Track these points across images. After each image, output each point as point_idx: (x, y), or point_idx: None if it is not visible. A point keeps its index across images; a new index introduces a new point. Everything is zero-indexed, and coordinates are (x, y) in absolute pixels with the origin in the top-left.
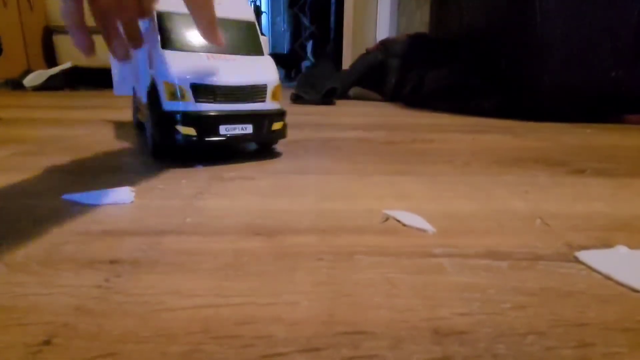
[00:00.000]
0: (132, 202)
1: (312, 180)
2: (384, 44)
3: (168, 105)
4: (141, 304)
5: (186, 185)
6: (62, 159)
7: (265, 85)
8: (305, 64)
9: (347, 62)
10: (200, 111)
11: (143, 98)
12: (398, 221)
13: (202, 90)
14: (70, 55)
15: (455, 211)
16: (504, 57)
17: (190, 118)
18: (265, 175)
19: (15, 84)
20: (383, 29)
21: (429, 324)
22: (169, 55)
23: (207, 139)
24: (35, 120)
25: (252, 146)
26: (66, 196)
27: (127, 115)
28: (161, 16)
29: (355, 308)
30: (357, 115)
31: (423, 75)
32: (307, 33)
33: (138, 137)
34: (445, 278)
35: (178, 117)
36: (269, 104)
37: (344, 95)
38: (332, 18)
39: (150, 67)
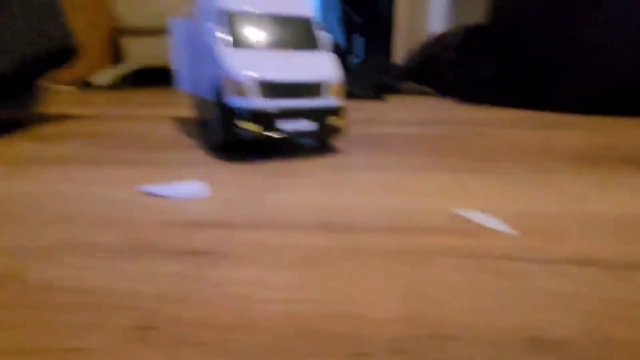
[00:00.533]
0: (204, 195)
1: (375, 177)
2: (439, 38)
3: (233, 101)
4: (228, 296)
5: (252, 180)
6: (133, 152)
7: (326, 81)
8: (353, 59)
9: (398, 57)
10: (264, 107)
11: (207, 94)
12: (473, 221)
13: (266, 87)
14: (134, 55)
15: (534, 212)
16: (567, 48)
17: (254, 114)
18: (327, 171)
19: (85, 84)
20: (436, 22)
21: (522, 333)
22: (234, 52)
23: (270, 134)
24: (104, 116)
25: (309, 141)
26: (141, 187)
27: (187, 111)
28: (227, 15)
29: (440, 311)
30: (412, 111)
31: (480, 69)
32: (355, 28)
33: (200, 132)
34: (532, 284)
35: (243, 113)
36: (329, 100)
37: (396, 90)
38: (381, 13)
39: (216, 64)
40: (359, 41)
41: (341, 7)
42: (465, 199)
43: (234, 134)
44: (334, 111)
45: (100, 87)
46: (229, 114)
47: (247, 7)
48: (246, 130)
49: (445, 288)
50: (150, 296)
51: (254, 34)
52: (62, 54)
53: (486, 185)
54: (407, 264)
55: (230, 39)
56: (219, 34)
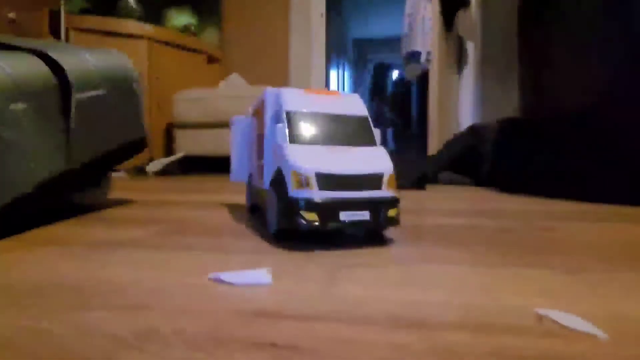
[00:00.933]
0: (270, 283)
1: (439, 270)
2: (473, 129)
3: (294, 192)
4: None
5: (315, 270)
6: (197, 239)
7: (382, 173)
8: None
9: (432, 148)
10: (323, 198)
11: (265, 185)
12: (557, 323)
13: (325, 179)
14: (185, 146)
15: (620, 314)
16: (621, 137)
17: (313, 204)
18: (389, 263)
19: (139, 170)
20: (466, 115)
21: None
22: (296, 148)
23: (328, 224)
24: (165, 203)
25: (364, 231)
26: (212, 275)
27: (237, 198)
28: (288, 114)
29: None
30: (456, 200)
31: (523, 160)
32: (388, 121)
33: (254, 219)
34: None
35: (302, 203)
36: (384, 192)
37: (434, 180)
38: (413, 107)
39: (276, 158)
40: (389, 133)
41: (374, 102)
42: (544, 297)
43: (293, 223)
44: (390, 202)
45: (153, 173)
46: (290, 204)
47: (308, 108)
48: (306, 219)
49: None
50: None
51: (314, 131)
52: (137, 145)
53: (563, 284)
54: None
55: (293, 136)
56: (283, 131)
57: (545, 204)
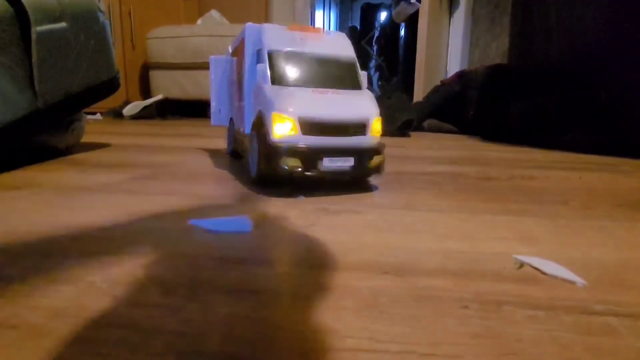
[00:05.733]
0: (250, 230)
1: (421, 217)
2: (462, 76)
3: (276, 137)
4: (299, 341)
5: (296, 216)
6: (175, 184)
7: (367, 119)
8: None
9: (418, 94)
10: (307, 144)
11: (246, 129)
12: (536, 269)
13: (309, 124)
14: (162, 88)
15: (598, 260)
16: (604, 89)
17: (296, 150)
18: (371, 209)
19: (116, 113)
20: (455, 60)
21: None
22: (278, 90)
23: (311, 171)
24: (141, 147)
25: (347, 178)
26: (192, 221)
27: (217, 144)
28: (270, 54)
29: None
30: (439, 149)
31: (506, 108)
32: (374, 65)
33: (235, 165)
34: (622, 342)
35: (285, 148)
36: (369, 139)
37: (419, 127)
38: (400, 51)
39: (258, 100)
40: (375, 78)
41: (359, 45)
42: (524, 244)
43: (275, 169)
44: (375, 150)
45: (129, 117)
46: (271, 150)
47: (291, 47)
48: (288, 165)
49: (529, 344)
50: (225, 339)
51: (298, 72)
52: (108, 87)
53: (542, 230)
54: (478, 314)
55: (275, 77)
56: (264, 72)
57: (526, 152)
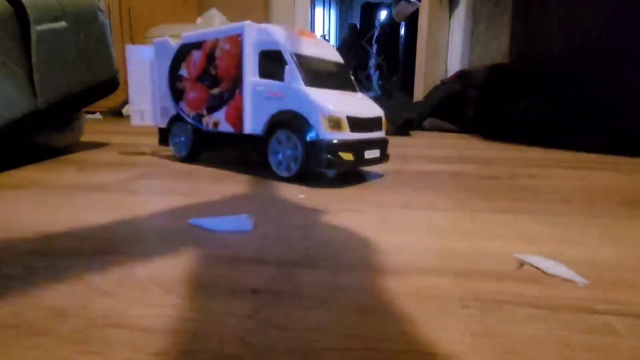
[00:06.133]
0: (250, 229)
1: (421, 215)
2: (462, 75)
3: (327, 134)
4: (297, 340)
5: (296, 215)
6: (174, 183)
7: (381, 116)
8: (369, 94)
9: (418, 94)
10: (355, 139)
11: (251, 128)
12: (537, 268)
13: (353, 122)
14: None
15: (598, 259)
16: (604, 88)
17: (349, 145)
18: (371, 208)
19: (116, 113)
20: (455, 60)
21: None
22: (316, 92)
23: (359, 161)
24: (141, 146)
25: (331, 173)
26: (192, 220)
27: None
28: (300, 57)
29: None
30: (440, 147)
31: (506, 107)
32: (374, 64)
33: (235, 164)
34: (622, 341)
35: (339, 144)
36: (383, 132)
37: (419, 127)
38: (400, 50)
39: (286, 101)
40: (374, 77)
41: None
42: (525, 242)
43: (326, 164)
44: (387, 141)
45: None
46: (322, 146)
47: (305, 50)
48: (342, 160)
49: (530, 343)
50: (224, 339)
51: (319, 75)
52: (108, 86)
53: (543, 229)
54: (478, 313)
55: (309, 79)
56: (292, 73)
57: (527, 151)
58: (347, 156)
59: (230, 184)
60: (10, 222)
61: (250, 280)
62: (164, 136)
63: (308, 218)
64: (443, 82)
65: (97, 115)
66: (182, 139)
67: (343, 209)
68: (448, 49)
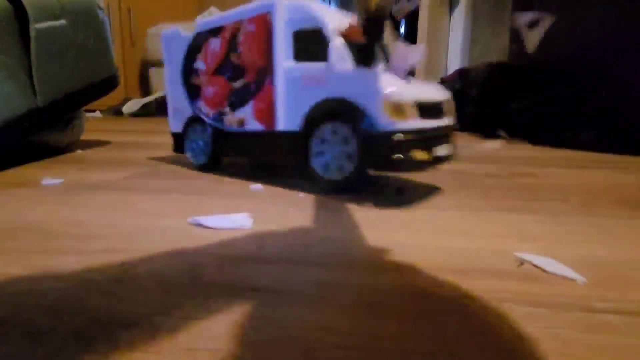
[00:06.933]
0: (250, 227)
1: (422, 215)
2: (462, 73)
3: (390, 124)
4: (298, 339)
5: (296, 213)
6: (174, 181)
7: (448, 99)
8: None
9: None
10: (425, 129)
11: (282, 124)
12: (536, 267)
13: (422, 108)
14: (161, 85)
15: (598, 258)
16: (604, 86)
17: (421, 138)
18: (371, 207)
19: (116, 111)
20: (455, 58)
21: None
22: (373, 73)
23: (432, 159)
24: (141, 145)
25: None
26: (191, 219)
27: None
28: (341, 34)
29: None
30: None
31: (506, 105)
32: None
33: (234, 164)
34: (622, 340)
35: (407, 138)
36: (451, 119)
37: None
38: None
39: (334, 86)
40: None
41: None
42: (524, 241)
43: (394, 164)
44: (454, 131)
45: (129, 115)
46: (386, 141)
47: (341, 26)
48: (415, 158)
49: (530, 341)
50: (226, 337)
51: (362, 54)
52: (107, 84)
53: (543, 228)
54: (479, 311)
55: (362, 58)
56: (341, 53)
57: (526, 150)
58: (420, 154)
59: (230, 183)
60: (10, 220)
61: (250, 278)
62: (179, 142)
63: (307, 217)
64: (443, 80)
65: (97, 114)
66: (200, 143)
67: (342, 208)
68: (448, 46)
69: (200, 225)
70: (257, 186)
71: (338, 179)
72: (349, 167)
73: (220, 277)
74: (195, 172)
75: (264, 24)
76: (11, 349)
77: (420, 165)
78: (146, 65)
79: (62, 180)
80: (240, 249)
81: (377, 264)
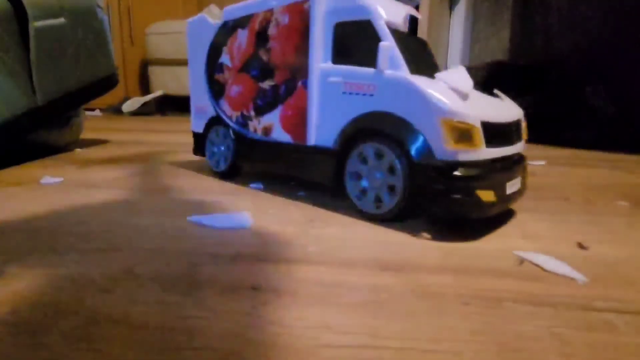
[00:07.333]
0: (250, 226)
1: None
2: None
3: (450, 153)
4: (297, 338)
5: (295, 212)
6: (173, 180)
7: (522, 118)
8: None
9: None
10: (497, 158)
11: (313, 139)
12: (536, 265)
13: (490, 132)
14: (161, 84)
15: (598, 257)
16: (603, 85)
17: (490, 174)
18: None
19: (115, 110)
20: (455, 56)
21: None
22: (428, 83)
23: (503, 200)
24: (140, 143)
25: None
26: (191, 218)
27: None
28: (396, 33)
29: None
30: None
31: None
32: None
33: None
34: (622, 338)
35: (475, 175)
36: (523, 144)
37: None
38: None
39: (383, 98)
40: None
41: None
42: (524, 240)
43: (453, 208)
44: (525, 160)
45: (129, 113)
46: (442, 175)
47: (396, 20)
48: (482, 202)
49: (529, 340)
50: (223, 336)
51: (417, 58)
52: (107, 83)
53: (543, 226)
54: (478, 310)
55: (411, 65)
56: (391, 55)
57: (527, 149)
58: (487, 195)
59: (230, 181)
60: (9, 219)
61: (250, 277)
62: (200, 143)
63: (307, 215)
64: None
65: (97, 112)
66: (222, 148)
67: (341, 207)
68: (448, 45)
69: (200, 223)
70: (257, 185)
71: (374, 212)
72: (390, 201)
73: (218, 275)
74: (194, 171)
75: (299, 15)
76: (11, 348)
77: (484, 210)
78: (146, 64)
79: (61, 179)
80: (240, 247)
81: (377, 263)
